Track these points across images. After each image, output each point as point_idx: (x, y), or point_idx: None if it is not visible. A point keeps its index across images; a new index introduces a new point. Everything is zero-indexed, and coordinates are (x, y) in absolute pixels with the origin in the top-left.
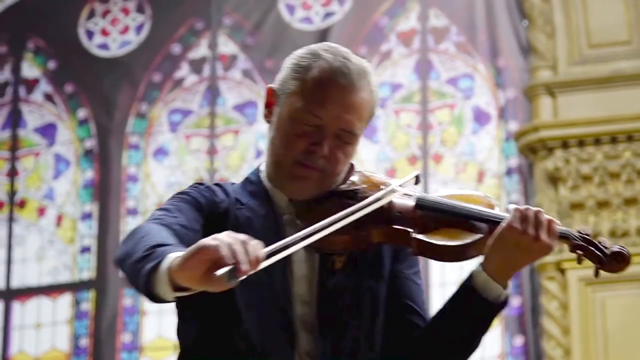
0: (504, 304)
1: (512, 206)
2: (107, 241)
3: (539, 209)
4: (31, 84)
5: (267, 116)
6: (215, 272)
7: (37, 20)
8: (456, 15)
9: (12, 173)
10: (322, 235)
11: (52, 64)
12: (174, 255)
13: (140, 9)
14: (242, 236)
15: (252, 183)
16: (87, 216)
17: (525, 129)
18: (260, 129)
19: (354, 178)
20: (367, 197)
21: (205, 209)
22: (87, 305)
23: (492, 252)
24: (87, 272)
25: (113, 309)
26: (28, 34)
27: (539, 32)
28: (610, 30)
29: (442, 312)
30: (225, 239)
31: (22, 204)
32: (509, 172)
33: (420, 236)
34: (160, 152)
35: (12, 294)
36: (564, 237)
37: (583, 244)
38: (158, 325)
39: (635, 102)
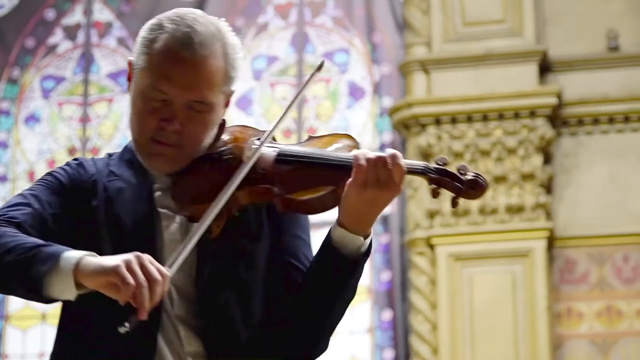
0: (366, 254)
1: (356, 152)
2: None
3: (380, 154)
4: None
5: (129, 89)
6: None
7: None
8: None
9: None
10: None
11: None
12: (73, 255)
13: None
14: (150, 270)
15: (129, 151)
16: None
17: (398, 105)
18: None
19: (224, 137)
20: (232, 157)
21: (68, 189)
22: None
23: (342, 206)
24: None
25: None
26: None
27: (415, 8)
28: (484, 9)
29: (308, 272)
30: (135, 278)
31: None
32: (382, 147)
33: (282, 192)
34: (32, 118)
35: None
36: (417, 172)
37: (438, 176)
38: None
39: (508, 81)
